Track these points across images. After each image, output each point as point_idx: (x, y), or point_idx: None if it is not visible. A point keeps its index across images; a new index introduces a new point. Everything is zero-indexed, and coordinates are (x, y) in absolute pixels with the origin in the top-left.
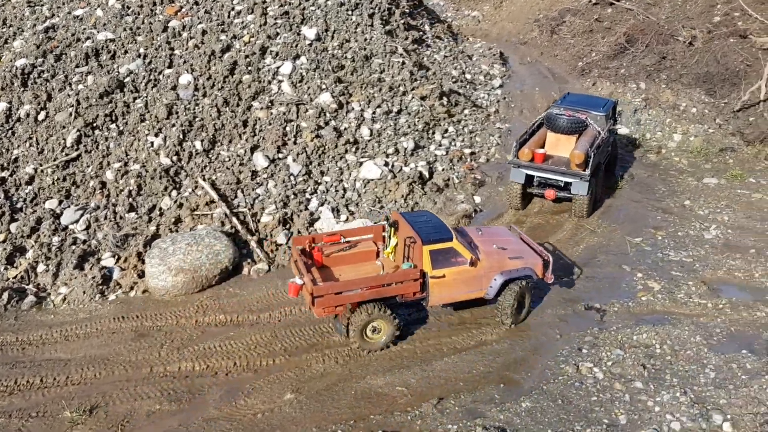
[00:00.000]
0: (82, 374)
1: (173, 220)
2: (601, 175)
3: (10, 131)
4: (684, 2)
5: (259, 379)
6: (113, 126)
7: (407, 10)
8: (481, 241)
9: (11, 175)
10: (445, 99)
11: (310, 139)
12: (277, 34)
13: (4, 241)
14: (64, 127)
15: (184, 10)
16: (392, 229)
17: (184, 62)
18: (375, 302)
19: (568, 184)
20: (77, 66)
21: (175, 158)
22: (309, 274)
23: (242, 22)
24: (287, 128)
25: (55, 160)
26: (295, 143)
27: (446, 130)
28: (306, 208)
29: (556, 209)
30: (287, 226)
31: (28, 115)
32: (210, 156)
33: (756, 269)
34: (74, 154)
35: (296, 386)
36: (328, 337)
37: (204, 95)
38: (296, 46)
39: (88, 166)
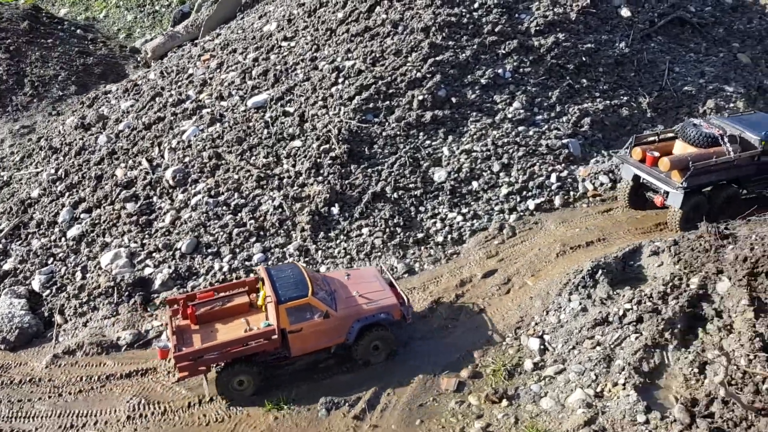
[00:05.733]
0: None
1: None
2: (727, 195)
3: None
4: None
5: None
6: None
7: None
8: (346, 286)
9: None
10: None
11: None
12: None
13: None
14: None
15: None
16: (261, 283)
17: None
18: (238, 361)
19: (667, 193)
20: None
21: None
22: (173, 338)
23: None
24: None
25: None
26: None
27: None
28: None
29: None
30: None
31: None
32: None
33: None
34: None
35: None
36: None
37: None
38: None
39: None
